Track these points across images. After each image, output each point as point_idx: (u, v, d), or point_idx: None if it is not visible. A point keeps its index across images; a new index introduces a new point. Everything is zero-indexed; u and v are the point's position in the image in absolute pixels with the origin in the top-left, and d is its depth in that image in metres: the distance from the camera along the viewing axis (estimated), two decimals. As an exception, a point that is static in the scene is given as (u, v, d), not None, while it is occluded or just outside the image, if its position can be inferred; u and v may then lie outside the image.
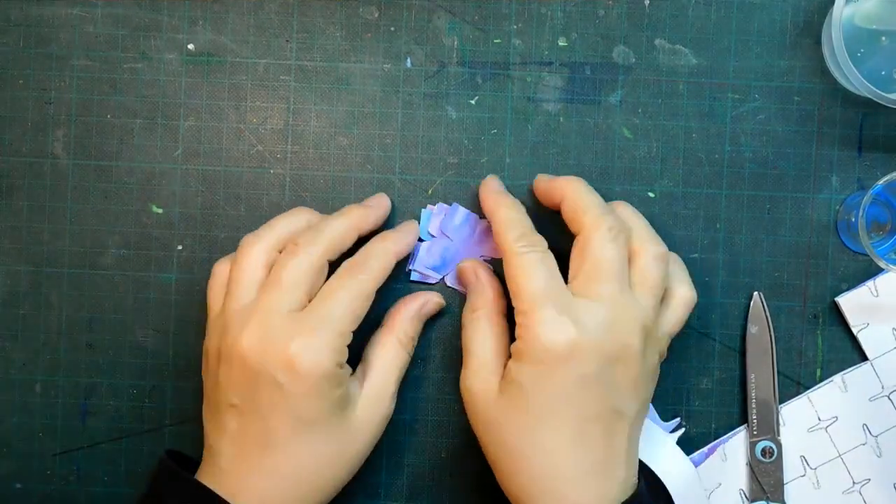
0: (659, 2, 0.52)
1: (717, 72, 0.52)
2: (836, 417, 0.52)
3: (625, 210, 0.49)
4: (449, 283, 0.52)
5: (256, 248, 0.47)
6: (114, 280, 0.52)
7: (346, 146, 0.52)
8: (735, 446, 0.52)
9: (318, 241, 0.46)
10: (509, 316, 0.49)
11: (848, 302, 0.52)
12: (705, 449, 0.52)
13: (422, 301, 0.50)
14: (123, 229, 0.52)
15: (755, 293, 0.52)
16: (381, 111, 0.52)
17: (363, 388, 0.47)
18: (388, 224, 0.51)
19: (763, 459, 0.52)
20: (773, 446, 0.52)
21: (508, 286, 0.45)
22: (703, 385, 0.53)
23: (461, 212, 0.52)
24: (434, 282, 0.52)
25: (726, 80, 0.52)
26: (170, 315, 0.52)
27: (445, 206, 0.52)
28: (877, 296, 0.52)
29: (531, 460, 0.44)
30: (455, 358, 0.52)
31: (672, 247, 0.52)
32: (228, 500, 0.44)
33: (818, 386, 0.53)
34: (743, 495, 0.52)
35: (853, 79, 0.48)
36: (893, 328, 0.52)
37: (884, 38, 0.50)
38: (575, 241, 0.46)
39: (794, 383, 0.53)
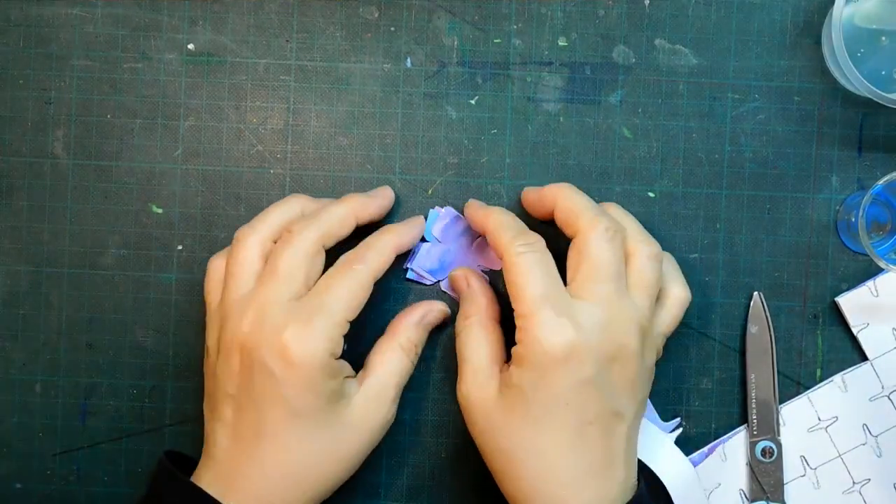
0: (659, 2, 0.52)
1: (717, 72, 0.52)
2: (836, 417, 0.52)
3: (616, 211, 0.49)
4: (444, 289, 0.52)
5: (251, 240, 0.47)
6: (114, 280, 0.52)
7: (346, 146, 0.52)
8: (735, 446, 0.52)
9: (312, 228, 0.46)
10: (505, 323, 0.49)
11: (848, 302, 0.52)
12: (705, 449, 0.52)
13: (426, 309, 0.50)
14: (123, 229, 0.52)
15: (755, 293, 0.52)
16: (381, 111, 0.52)
17: (361, 388, 0.47)
18: (387, 224, 0.51)
19: (763, 459, 0.52)
20: (773, 446, 0.52)
21: (508, 290, 0.45)
22: (702, 385, 0.53)
23: (463, 222, 0.52)
24: (429, 283, 0.52)
25: (726, 80, 0.52)
26: (170, 315, 0.52)
27: (454, 210, 0.52)
28: (877, 296, 0.52)
29: (531, 464, 0.44)
30: (455, 358, 0.52)
31: (672, 247, 0.52)
32: (220, 499, 0.43)
33: (818, 386, 0.52)
34: (743, 495, 0.52)
35: (853, 79, 0.48)
36: (893, 328, 0.52)
37: (884, 38, 0.50)
38: (571, 244, 0.46)
39: (794, 383, 0.53)
